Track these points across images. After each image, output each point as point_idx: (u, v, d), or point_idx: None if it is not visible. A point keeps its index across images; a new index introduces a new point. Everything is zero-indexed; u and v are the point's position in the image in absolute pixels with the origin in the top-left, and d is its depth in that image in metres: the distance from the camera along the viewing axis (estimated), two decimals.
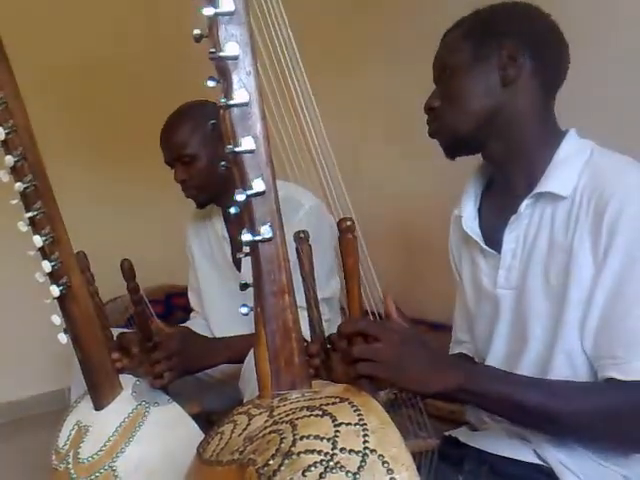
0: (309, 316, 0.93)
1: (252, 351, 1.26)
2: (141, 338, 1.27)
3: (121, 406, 1.20)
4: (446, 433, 1.07)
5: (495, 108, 0.98)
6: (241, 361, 1.34)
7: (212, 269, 1.69)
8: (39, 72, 2.07)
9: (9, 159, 1.04)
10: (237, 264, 1.61)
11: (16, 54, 1.08)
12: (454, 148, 1.03)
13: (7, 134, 1.03)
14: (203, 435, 1.18)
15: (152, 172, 1.83)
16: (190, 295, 1.78)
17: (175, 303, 2.56)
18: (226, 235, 1.63)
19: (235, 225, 1.61)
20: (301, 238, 0.90)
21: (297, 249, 0.90)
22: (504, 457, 0.96)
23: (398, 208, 2.29)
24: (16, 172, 1.06)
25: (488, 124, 0.99)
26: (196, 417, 1.23)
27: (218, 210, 1.64)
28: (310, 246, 0.91)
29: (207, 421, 1.35)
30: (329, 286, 1.46)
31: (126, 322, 2.39)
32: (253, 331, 1.41)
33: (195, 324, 1.70)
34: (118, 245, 1.99)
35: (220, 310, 1.67)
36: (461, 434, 1.05)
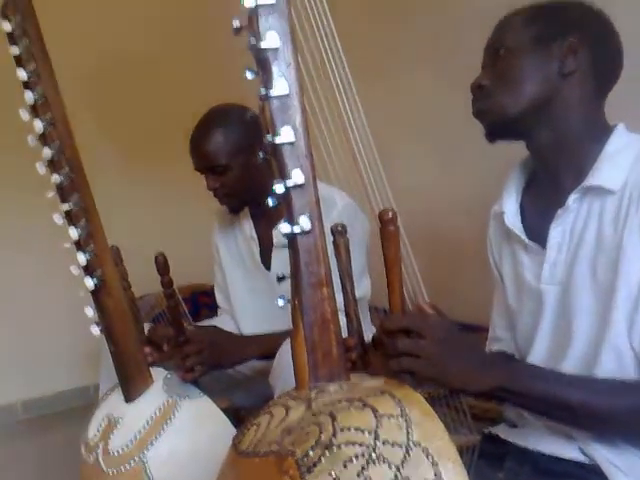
0: (346, 309, 0.92)
1: (283, 346, 1.27)
2: (172, 332, 1.27)
3: (152, 399, 1.21)
4: (485, 430, 1.06)
5: (548, 96, 0.97)
6: (270, 358, 1.34)
7: (240, 268, 1.69)
8: (73, 70, 2.09)
9: (47, 152, 1.06)
10: (265, 263, 1.61)
11: (53, 52, 1.10)
12: (498, 130, 1.01)
13: (45, 127, 1.05)
14: (234, 429, 1.19)
15: (179, 172, 1.85)
16: (217, 293, 1.78)
17: (201, 301, 2.57)
18: (254, 235, 1.63)
19: (263, 224, 1.61)
20: (339, 231, 0.89)
21: (334, 242, 0.89)
22: (547, 454, 0.94)
23: (427, 210, 2.28)
24: (53, 165, 1.07)
25: (538, 111, 0.98)
26: (225, 412, 1.23)
27: (246, 210, 1.64)
28: (348, 239, 0.90)
29: (235, 417, 1.35)
30: (360, 286, 1.45)
31: (153, 320, 2.41)
32: (281, 329, 1.43)
33: (222, 321, 1.71)
34: (145, 243, 2.00)
35: (248, 309, 1.67)
36: (501, 431, 1.04)
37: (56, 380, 2.99)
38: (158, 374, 1.25)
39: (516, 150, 1.07)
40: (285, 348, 1.25)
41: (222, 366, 1.38)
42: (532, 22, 0.99)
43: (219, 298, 1.77)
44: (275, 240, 1.55)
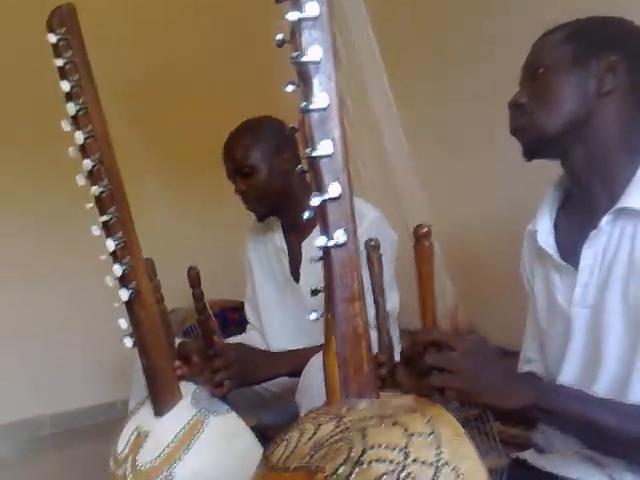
0: (377, 324, 0.91)
1: (310, 364, 1.27)
2: (202, 346, 1.28)
3: (181, 413, 1.21)
4: (513, 455, 1.03)
5: (586, 114, 0.97)
6: (297, 375, 1.33)
7: (270, 282, 1.70)
8: (112, 82, 2.15)
9: (87, 163, 1.08)
10: (295, 276, 1.61)
11: (93, 66, 1.13)
12: (536, 148, 1.01)
13: (86, 139, 1.07)
14: (261, 447, 1.18)
15: (212, 188, 1.87)
16: (247, 307, 1.79)
17: (229, 318, 2.58)
18: (284, 247, 1.64)
19: (293, 237, 1.62)
20: (372, 245, 0.89)
21: (368, 256, 0.89)
22: None
23: (458, 229, 2.26)
24: (92, 176, 1.09)
25: (575, 129, 0.97)
26: (252, 430, 1.22)
27: (277, 223, 1.66)
28: (381, 254, 0.90)
29: (262, 436, 1.34)
30: (389, 300, 1.44)
31: (183, 334, 2.42)
32: (310, 344, 1.42)
33: (251, 337, 1.72)
34: (175, 258, 2.02)
35: (277, 323, 1.68)
36: (530, 456, 1.02)
37: (84, 395, 3.02)
38: (187, 389, 1.25)
39: (550, 168, 1.06)
40: (312, 365, 1.24)
41: (251, 382, 1.37)
42: (570, 40, 0.99)
43: (249, 312, 1.78)
44: (304, 253, 1.56)
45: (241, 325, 1.86)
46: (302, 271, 1.58)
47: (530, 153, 1.02)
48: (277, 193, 1.56)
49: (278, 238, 1.65)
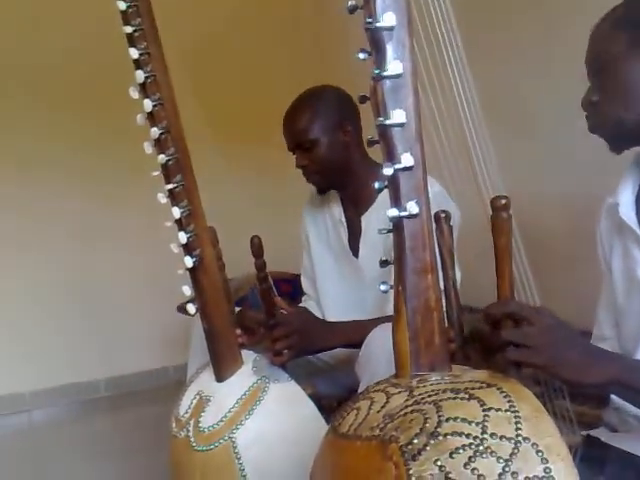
0: (446, 299, 0.90)
1: (371, 336, 1.26)
2: (263, 315, 1.29)
3: (242, 380, 1.23)
4: (584, 432, 1.02)
5: None
6: (356, 346, 1.33)
7: (327, 254, 1.69)
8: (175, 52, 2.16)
9: (154, 131, 1.08)
10: (353, 249, 1.61)
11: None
12: (619, 141, 0.99)
13: (154, 106, 1.07)
14: (320, 415, 1.20)
15: (272, 159, 1.84)
16: (303, 279, 1.79)
17: (282, 289, 2.59)
18: (343, 220, 1.63)
19: (352, 210, 1.61)
20: (443, 217, 0.87)
21: (438, 228, 0.87)
22: None
23: (531, 205, 2.21)
24: (160, 145, 1.10)
25: None
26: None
27: (336, 195, 1.65)
28: (451, 226, 0.88)
29: (317, 405, 1.35)
30: None
31: (236, 303, 2.45)
32: (366, 316, 1.41)
33: (307, 307, 1.71)
34: (228, 228, 2.04)
35: (333, 295, 1.67)
36: (602, 434, 1.00)
37: (138, 360, 3.10)
38: (248, 356, 1.27)
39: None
40: (373, 337, 1.24)
41: (310, 351, 1.38)
42: (621, 26, 0.95)
43: (305, 284, 1.78)
44: (364, 227, 1.55)
45: (294, 297, 1.87)
46: (362, 245, 1.57)
47: (616, 147, 1.00)
48: (338, 166, 1.54)
49: (337, 211, 1.64)
